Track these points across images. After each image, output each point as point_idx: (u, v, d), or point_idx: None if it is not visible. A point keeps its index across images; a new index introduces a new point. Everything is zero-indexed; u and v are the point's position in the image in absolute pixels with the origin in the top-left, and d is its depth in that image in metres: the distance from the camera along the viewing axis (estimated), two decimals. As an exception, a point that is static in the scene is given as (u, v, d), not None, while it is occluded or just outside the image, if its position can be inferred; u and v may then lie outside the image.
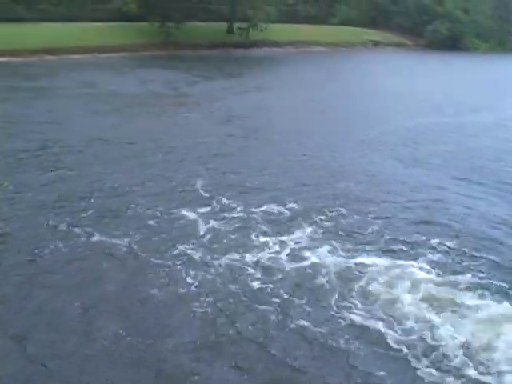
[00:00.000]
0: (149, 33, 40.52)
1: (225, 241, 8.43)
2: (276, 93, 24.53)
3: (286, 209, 9.76)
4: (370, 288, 7.09)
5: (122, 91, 22.43)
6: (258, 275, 7.37)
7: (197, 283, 7.13)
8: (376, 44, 53.06)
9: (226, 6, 46.74)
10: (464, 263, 7.87)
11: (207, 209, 9.67)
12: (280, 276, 7.38)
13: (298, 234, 8.75)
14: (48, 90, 22.18)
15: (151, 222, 9.02)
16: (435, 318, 6.45)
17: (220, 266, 7.58)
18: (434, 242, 8.54)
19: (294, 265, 7.69)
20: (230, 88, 24.70)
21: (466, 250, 8.29)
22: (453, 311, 6.61)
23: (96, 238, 8.34)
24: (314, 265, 7.67)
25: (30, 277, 7.19)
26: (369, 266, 7.66)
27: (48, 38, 35.19)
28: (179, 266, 7.55)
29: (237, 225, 9.04)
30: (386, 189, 11.26)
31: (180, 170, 11.94)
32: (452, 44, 52.94)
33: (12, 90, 21.89)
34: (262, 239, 8.46)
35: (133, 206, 9.70)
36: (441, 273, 7.52)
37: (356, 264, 7.71)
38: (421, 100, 23.48)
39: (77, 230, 8.59)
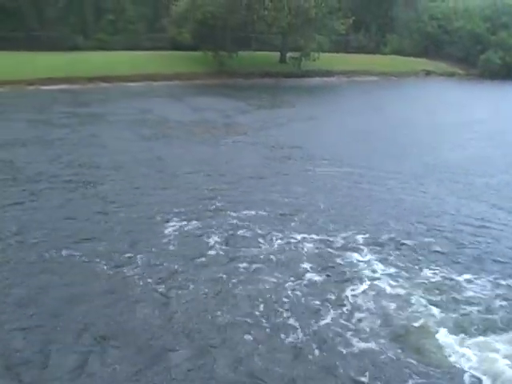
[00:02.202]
0: (202, 62, 41.37)
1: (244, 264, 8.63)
2: (325, 122, 24.52)
3: (329, 235, 9.79)
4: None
5: (171, 118, 22.91)
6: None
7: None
8: (428, 73, 52.52)
9: (278, 35, 47.22)
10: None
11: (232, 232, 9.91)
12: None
13: (342, 258, 8.87)
14: (98, 116, 22.90)
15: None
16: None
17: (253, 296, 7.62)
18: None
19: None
20: (280, 117, 24.90)
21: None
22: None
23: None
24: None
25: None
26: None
27: (104, 66, 36.44)
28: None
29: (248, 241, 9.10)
30: (432, 216, 11.19)
31: (209, 193, 12.26)
32: (506, 73, 51.85)
33: (63, 116, 22.66)
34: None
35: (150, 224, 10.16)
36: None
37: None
38: (472, 131, 22.99)
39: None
